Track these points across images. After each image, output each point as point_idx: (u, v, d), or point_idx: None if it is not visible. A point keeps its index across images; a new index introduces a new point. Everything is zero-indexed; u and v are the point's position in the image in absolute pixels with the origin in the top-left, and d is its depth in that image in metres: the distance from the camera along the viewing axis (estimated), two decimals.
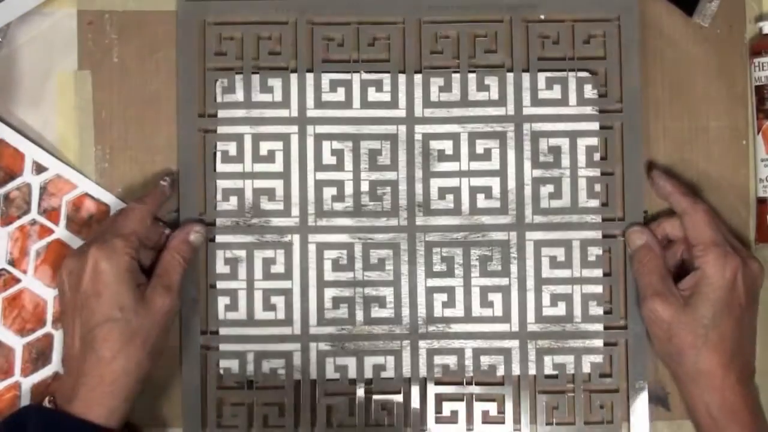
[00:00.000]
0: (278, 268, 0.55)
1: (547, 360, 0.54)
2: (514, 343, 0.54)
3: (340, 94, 0.55)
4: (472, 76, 0.56)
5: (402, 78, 0.55)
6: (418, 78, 0.55)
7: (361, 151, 0.55)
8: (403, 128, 0.55)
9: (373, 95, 0.55)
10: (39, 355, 0.54)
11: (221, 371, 0.54)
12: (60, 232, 0.54)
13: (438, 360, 0.55)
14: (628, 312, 0.55)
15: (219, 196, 0.55)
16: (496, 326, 0.55)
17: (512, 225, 0.55)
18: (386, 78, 0.55)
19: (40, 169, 0.54)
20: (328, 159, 0.55)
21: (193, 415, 0.54)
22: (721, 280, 0.49)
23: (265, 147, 0.55)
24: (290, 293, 0.55)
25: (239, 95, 0.55)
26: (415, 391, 0.54)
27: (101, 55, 0.56)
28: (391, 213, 0.55)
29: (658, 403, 0.55)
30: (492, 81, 0.55)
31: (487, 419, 0.54)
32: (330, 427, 0.54)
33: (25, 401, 0.53)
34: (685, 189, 0.53)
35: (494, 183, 0.55)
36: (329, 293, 0.55)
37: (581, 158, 0.55)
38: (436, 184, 0.55)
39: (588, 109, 0.55)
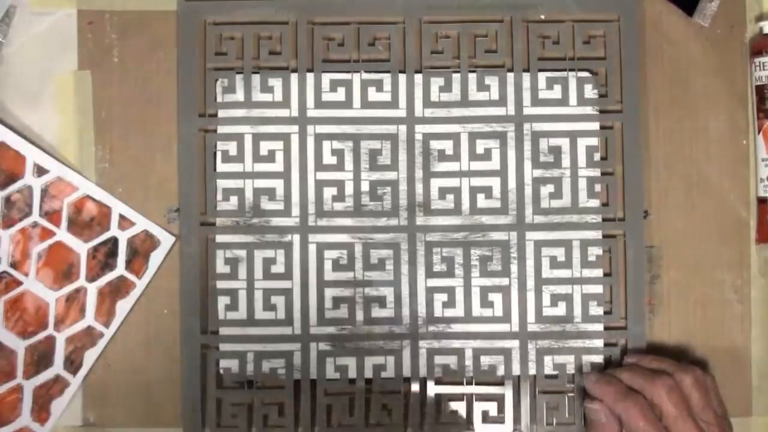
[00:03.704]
0: (278, 268, 0.55)
1: (547, 360, 0.54)
2: (514, 343, 0.54)
3: (340, 94, 0.55)
4: (472, 76, 0.56)
5: (402, 78, 0.55)
6: (418, 78, 0.55)
7: (361, 151, 0.55)
8: (403, 128, 0.55)
9: (373, 95, 0.55)
10: (41, 358, 0.54)
11: (221, 371, 0.54)
12: (61, 234, 0.54)
13: (438, 360, 0.55)
14: (628, 312, 0.55)
15: (219, 196, 0.55)
16: (496, 326, 0.55)
17: (512, 225, 0.55)
18: (386, 78, 0.55)
19: (41, 171, 0.54)
20: (329, 159, 0.55)
21: (193, 415, 0.54)
22: None
23: (265, 147, 0.55)
24: (290, 293, 0.55)
25: (239, 95, 0.55)
26: (415, 391, 0.54)
27: (101, 55, 0.56)
28: (391, 213, 0.55)
29: None
30: (492, 81, 0.55)
31: (487, 419, 0.54)
32: (330, 427, 0.54)
33: (26, 404, 0.53)
34: (616, 393, 0.49)
35: (494, 183, 0.55)
36: (329, 293, 0.55)
37: (581, 158, 0.55)
38: (436, 184, 0.55)
39: (588, 109, 0.56)
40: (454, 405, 0.54)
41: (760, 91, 0.55)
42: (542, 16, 0.56)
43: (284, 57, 0.56)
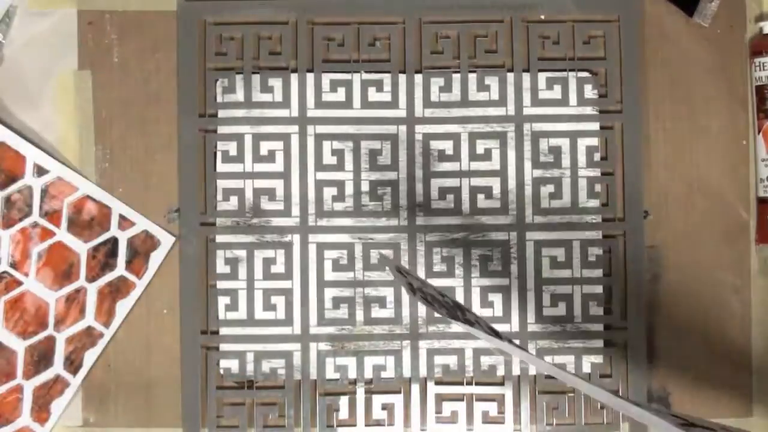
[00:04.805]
0: (278, 268, 0.55)
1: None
2: None
3: (340, 94, 0.55)
4: (472, 76, 0.56)
5: (402, 78, 0.55)
6: (418, 78, 0.55)
7: (361, 151, 0.55)
8: (403, 128, 0.55)
9: (373, 95, 0.55)
10: (41, 358, 0.54)
11: (221, 371, 0.54)
12: (61, 234, 0.54)
13: (438, 360, 0.55)
14: (628, 312, 0.55)
15: (219, 196, 0.55)
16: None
17: (512, 225, 0.55)
18: (386, 78, 0.55)
19: (41, 171, 0.54)
20: (329, 159, 0.55)
21: (193, 415, 0.54)
22: None
23: (265, 147, 0.55)
24: (290, 293, 0.55)
25: (239, 95, 0.55)
26: (415, 391, 0.54)
27: (101, 55, 0.55)
28: (391, 213, 0.55)
29: (658, 403, 0.55)
30: (492, 81, 0.55)
31: (487, 419, 0.54)
32: (330, 427, 0.54)
33: (27, 404, 0.53)
34: None
35: (494, 183, 0.55)
36: (329, 293, 0.55)
37: (581, 158, 0.55)
38: (436, 184, 0.55)
39: (588, 110, 0.56)
40: (454, 405, 0.54)
41: (760, 91, 0.55)
42: (542, 17, 0.56)
43: (284, 57, 0.56)
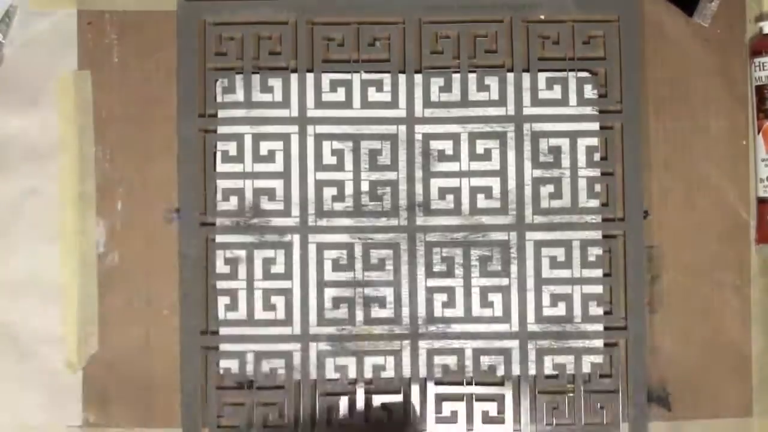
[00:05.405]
0: (278, 268, 0.55)
1: (547, 360, 0.54)
2: (514, 344, 0.54)
3: (340, 94, 0.55)
4: (472, 76, 0.56)
5: (402, 78, 0.55)
6: (418, 78, 0.55)
7: (361, 151, 0.55)
8: (403, 128, 0.55)
9: (373, 95, 0.55)
10: None
11: (221, 371, 0.54)
12: None
13: (438, 360, 0.55)
14: (628, 312, 0.55)
15: (219, 196, 0.55)
16: (496, 326, 0.55)
17: (512, 225, 0.55)
18: (386, 78, 0.55)
19: None
20: (329, 159, 0.55)
21: (193, 415, 0.54)
22: None
23: (265, 147, 0.55)
24: (290, 293, 0.55)
25: (239, 95, 0.55)
26: (415, 391, 0.54)
27: (101, 55, 0.56)
28: (391, 213, 0.55)
29: (658, 403, 0.55)
30: (492, 81, 0.55)
31: (487, 419, 0.54)
32: (330, 427, 0.54)
33: None
34: None
35: (494, 183, 0.55)
36: (329, 293, 0.55)
37: (581, 158, 0.55)
38: (436, 184, 0.55)
39: (588, 110, 0.56)
40: (454, 405, 0.54)
41: (759, 91, 0.55)
42: (542, 17, 0.56)
43: (284, 57, 0.56)
